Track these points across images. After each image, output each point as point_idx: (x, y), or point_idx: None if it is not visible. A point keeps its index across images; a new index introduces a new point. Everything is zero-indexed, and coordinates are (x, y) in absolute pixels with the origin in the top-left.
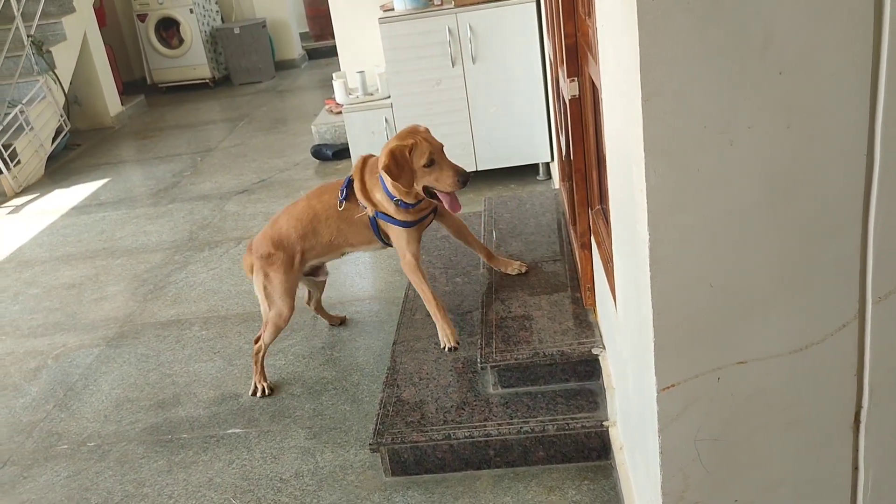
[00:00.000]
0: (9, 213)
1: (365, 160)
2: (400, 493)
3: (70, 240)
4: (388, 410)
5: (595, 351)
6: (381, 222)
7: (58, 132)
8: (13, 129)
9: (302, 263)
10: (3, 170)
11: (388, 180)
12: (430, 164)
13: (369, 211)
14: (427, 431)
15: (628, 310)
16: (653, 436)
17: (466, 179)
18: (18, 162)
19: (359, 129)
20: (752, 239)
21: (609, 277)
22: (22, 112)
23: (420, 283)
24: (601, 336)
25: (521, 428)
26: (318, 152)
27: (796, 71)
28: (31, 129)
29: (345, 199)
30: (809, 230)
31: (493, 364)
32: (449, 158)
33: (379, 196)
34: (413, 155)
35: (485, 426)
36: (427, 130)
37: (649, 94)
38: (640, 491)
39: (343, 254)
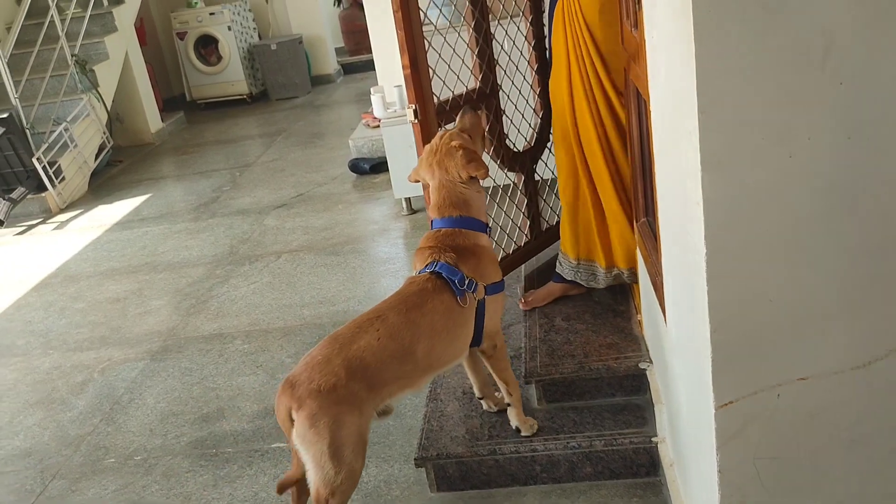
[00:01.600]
0: (54, 229)
1: (437, 237)
2: None
3: (114, 255)
4: (433, 425)
5: (642, 365)
6: (489, 301)
7: (101, 149)
8: (58, 146)
9: (381, 402)
10: (49, 186)
11: (475, 201)
12: (468, 134)
13: (479, 291)
14: (472, 446)
15: (680, 324)
16: (710, 454)
17: (473, 107)
18: (63, 178)
19: (396, 142)
20: (812, 252)
21: (657, 291)
22: (66, 130)
23: (509, 368)
24: (647, 350)
25: (567, 443)
26: (356, 166)
27: (857, 80)
28: (76, 146)
29: (463, 291)
30: (871, 243)
31: (538, 379)
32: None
33: (484, 243)
34: (467, 143)
35: (531, 441)
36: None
37: (706, 106)
38: None
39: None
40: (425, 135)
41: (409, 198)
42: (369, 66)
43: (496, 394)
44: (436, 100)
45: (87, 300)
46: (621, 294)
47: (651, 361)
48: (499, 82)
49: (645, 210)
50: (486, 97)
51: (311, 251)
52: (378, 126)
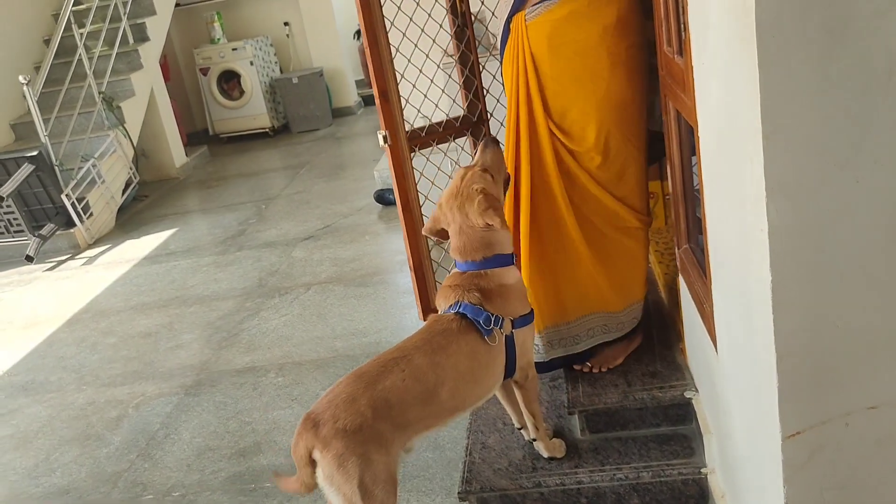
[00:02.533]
0: (83, 265)
1: (461, 276)
2: None
3: (143, 289)
4: (475, 457)
5: (688, 394)
6: (517, 334)
7: (127, 184)
8: (86, 182)
9: (406, 441)
10: (78, 222)
11: (498, 238)
12: (490, 174)
13: (507, 326)
14: (517, 479)
15: (736, 353)
16: (776, 486)
17: (495, 139)
18: (91, 214)
19: (430, 173)
20: (881, 278)
21: (705, 319)
22: (94, 166)
23: (537, 401)
24: (692, 379)
25: (613, 475)
26: (382, 197)
27: None
28: (103, 181)
29: (491, 330)
30: None
31: (581, 409)
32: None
33: (510, 280)
34: (489, 189)
35: (576, 473)
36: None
37: (770, 132)
38: None
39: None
40: (395, 158)
41: None
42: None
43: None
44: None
45: (119, 335)
46: (660, 321)
47: (697, 390)
48: (489, 110)
49: (688, 236)
50: (472, 124)
51: (340, 283)
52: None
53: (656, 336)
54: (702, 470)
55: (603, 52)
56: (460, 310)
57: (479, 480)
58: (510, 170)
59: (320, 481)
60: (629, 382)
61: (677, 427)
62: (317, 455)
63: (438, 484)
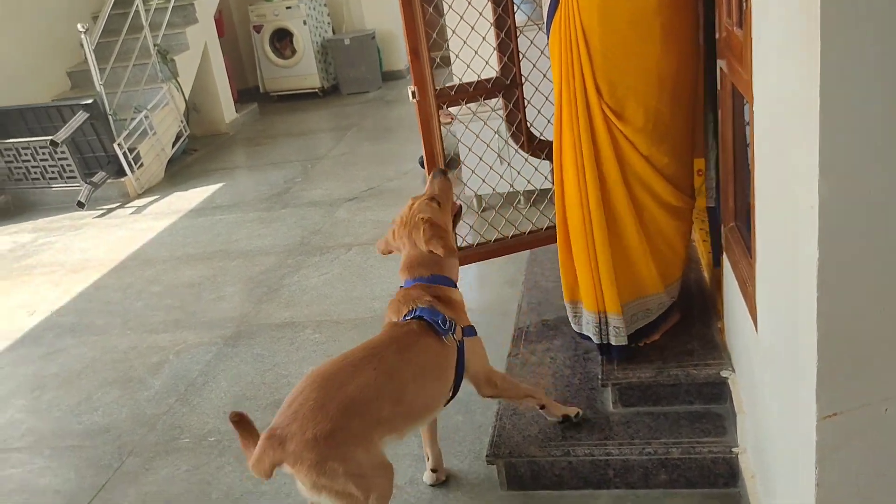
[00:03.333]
0: (131, 214)
1: (410, 289)
2: None
3: (189, 241)
4: (505, 423)
5: (724, 373)
6: (468, 343)
7: (177, 137)
8: (138, 133)
9: (380, 438)
10: (128, 172)
11: (444, 264)
12: (438, 203)
13: (458, 332)
14: (546, 447)
15: (777, 333)
16: (808, 467)
17: (445, 171)
18: (141, 165)
19: (470, 139)
20: None
21: (747, 298)
22: (147, 117)
23: (520, 388)
24: (729, 358)
25: (643, 449)
26: None
27: None
28: (154, 133)
29: (447, 331)
30: None
31: (615, 382)
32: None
33: (456, 296)
34: (434, 217)
35: (605, 445)
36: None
37: (828, 108)
38: None
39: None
40: (422, 113)
41: (480, 195)
42: (439, 65)
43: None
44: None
45: (163, 283)
46: (700, 300)
47: (733, 370)
48: (524, 74)
49: (735, 214)
50: (506, 87)
51: None
52: (451, 122)
53: (695, 314)
54: (733, 449)
55: (656, 25)
56: (417, 313)
57: (507, 445)
58: (555, 147)
59: (306, 494)
60: (664, 358)
61: (710, 406)
62: (288, 469)
63: (467, 447)
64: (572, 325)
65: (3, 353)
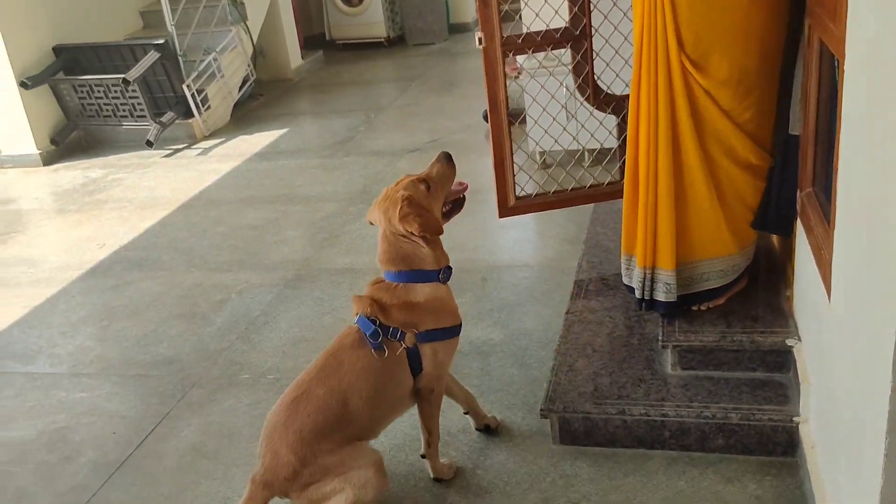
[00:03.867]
0: (198, 155)
1: (370, 293)
2: (568, 461)
3: (252, 184)
4: (561, 379)
5: (789, 342)
6: (424, 348)
7: (244, 81)
8: (206, 75)
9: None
10: (196, 113)
11: (418, 253)
12: (427, 185)
13: (408, 339)
14: (601, 404)
15: (853, 301)
16: (877, 437)
17: (450, 156)
18: (209, 107)
19: (537, 94)
20: None
21: (821, 265)
22: (215, 60)
23: (436, 416)
24: (796, 327)
25: (701, 412)
26: None
27: None
28: (222, 76)
29: (379, 344)
30: None
31: (676, 344)
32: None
33: (420, 299)
34: (416, 197)
35: (662, 406)
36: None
37: None
38: (837, 494)
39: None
40: (488, 60)
41: (543, 151)
42: (508, 16)
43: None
44: (525, 29)
45: (228, 224)
46: (769, 267)
47: (799, 339)
48: (594, 26)
49: (813, 179)
50: (575, 38)
51: None
52: (518, 76)
53: (763, 281)
54: (794, 418)
55: None
56: (357, 322)
57: (562, 401)
58: (632, 97)
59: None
60: (729, 323)
61: (773, 374)
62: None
63: (521, 399)
64: (623, 277)
65: (74, 283)
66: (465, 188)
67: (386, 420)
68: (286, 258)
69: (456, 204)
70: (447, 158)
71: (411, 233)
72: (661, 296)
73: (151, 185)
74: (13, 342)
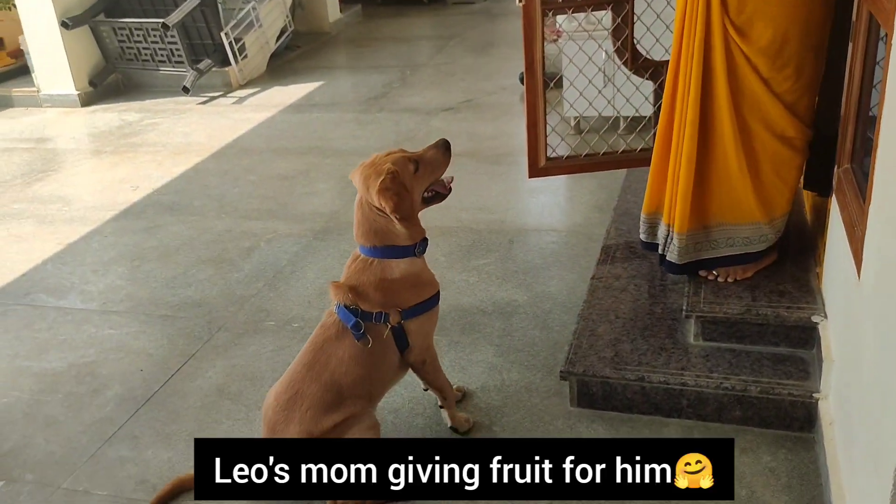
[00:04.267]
0: (233, 103)
1: (347, 269)
2: (584, 423)
3: (285, 135)
4: (582, 343)
5: (815, 318)
6: (409, 325)
7: (281, 32)
8: (244, 24)
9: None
10: (233, 62)
11: (392, 229)
12: (417, 166)
13: (393, 318)
14: (620, 370)
15: (883, 279)
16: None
17: (448, 145)
18: (246, 56)
19: (575, 58)
20: None
21: (853, 242)
22: (254, 9)
23: (441, 376)
24: (823, 304)
25: (720, 383)
26: None
27: None
28: (260, 26)
29: (362, 333)
30: None
31: (699, 314)
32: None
33: (397, 274)
34: (402, 175)
35: (681, 375)
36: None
37: None
38: (851, 470)
39: None
40: (527, 18)
41: (579, 117)
42: None
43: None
44: None
45: (259, 174)
46: (800, 243)
47: (826, 316)
48: None
49: (851, 156)
50: (616, 0)
51: (474, 157)
52: (556, 39)
53: (794, 257)
54: (814, 394)
55: None
56: (336, 312)
57: (582, 364)
58: (672, 56)
59: None
60: (755, 297)
61: (796, 349)
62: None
63: (541, 361)
64: (641, 235)
65: (107, 223)
66: (451, 181)
67: (383, 392)
68: (315, 210)
69: (438, 194)
70: (445, 146)
71: (383, 209)
72: (668, 254)
73: (186, 130)
74: (47, 277)
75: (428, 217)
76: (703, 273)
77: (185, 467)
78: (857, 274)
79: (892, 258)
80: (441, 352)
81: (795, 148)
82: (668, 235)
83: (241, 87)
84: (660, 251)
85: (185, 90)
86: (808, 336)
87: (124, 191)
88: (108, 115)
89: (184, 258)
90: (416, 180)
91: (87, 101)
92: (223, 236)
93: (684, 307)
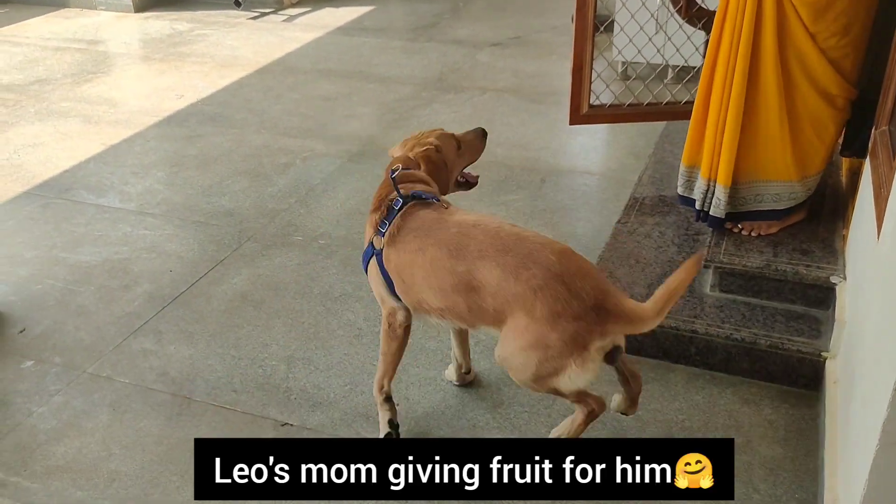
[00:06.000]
0: (283, 21)
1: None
2: None
3: (332, 57)
4: None
5: (834, 279)
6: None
7: None
8: None
9: None
10: None
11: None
12: (459, 145)
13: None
14: None
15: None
16: (890, 372)
17: (486, 134)
18: None
19: (628, 2)
20: None
21: (878, 203)
22: None
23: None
24: (844, 266)
25: (730, 334)
26: None
27: None
28: None
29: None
30: None
31: (718, 265)
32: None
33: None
34: (444, 150)
35: (693, 322)
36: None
37: None
38: (848, 427)
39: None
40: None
41: (627, 62)
42: None
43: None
44: None
45: (302, 93)
46: (832, 205)
47: (845, 278)
48: None
49: (890, 117)
50: None
51: (516, 94)
52: None
53: (823, 218)
54: (822, 353)
55: None
56: (412, 195)
57: None
58: (720, 7)
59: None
60: (776, 253)
61: (811, 308)
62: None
63: None
64: (679, 189)
65: (151, 128)
66: (478, 177)
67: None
68: (353, 133)
69: (468, 182)
70: (483, 134)
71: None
72: (711, 210)
73: (234, 44)
74: (88, 175)
75: None
76: (728, 225)
77: (205, 365)
78: (877, 235)
79: None
80: None
81: (836, 106)
82: (707, 190)
83: (293, 5)
84: (698, 206)
85: (237, 4)
86: (825, 296)
87: (169, 98)
88: (160, 22)
89: (221, 168)
90: (457, 159)
91: (141, 7)
92: (261, 151)
93: (705, 257)
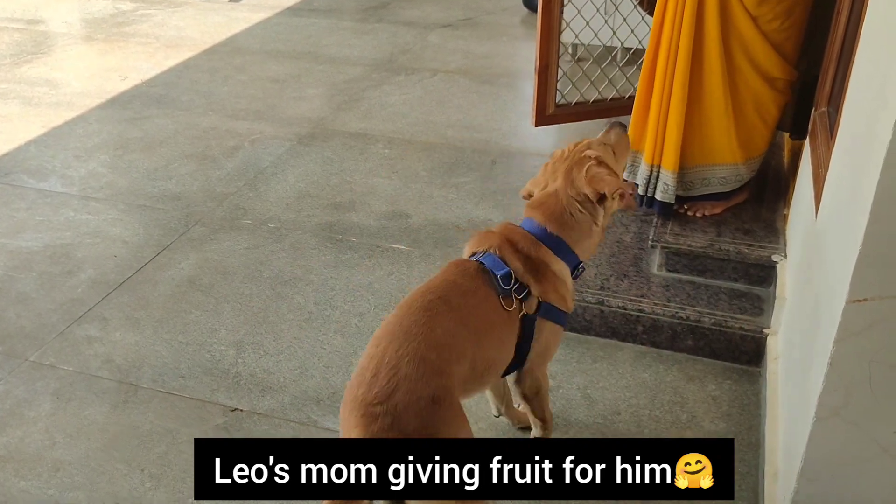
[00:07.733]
0: (230, 1)
1: (504, 233)
2: None
3: (280, 37)
4: None
5: (775, 258)
6: (541, 324)
7: None
8: None
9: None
10: None
11: (582, 229)
12: (613, 151)
13: (531, 305)
14: (580, 292)
15: (834, 216)
16: (825, 345)
17: (625, 127)
18: None
19: None
20: None
21: (816, 183)
22: None
23: (547, 407)
24: (785, 245)
25: (676, 313)
26: (531, 2)
27: None
28: None
29: (509, 291)
30: None
31: (664, 245)
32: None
33: (556, 268)
34: (606, 161)
35: (640, 302)
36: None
37: None
38: (787, 401)
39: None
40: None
41: (577, 44)
42: None
43: (517, 407)
44: None
45: (250, 74)
46: (774, 186)
47: (786, 257)
48: None
49: (829, 99)
50: None
51: (467, 76)
52: None
53: (765, 198)
54: (764, 330)
55: None
56: (481, 258)
57: None
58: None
59: None
60: (720, 233)
61: (754, 287)
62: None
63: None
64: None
65: (93, 110)
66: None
67: (487, 376)
68: (303, 115)
69: (623, 196)
70: (621, 126)
71: (598, 197)
72: (659, 195)
73: (180, 24)
74: (29, 158)
75: (415, 131)
76: (674, 207)
77: (152, 351)
78: (815, 213)
79: (842, 195)
80: (412, 262)
81: (778, 89)
82: (651, 175)
83: None
84: (641, 192)
85: None
86: (766, 274)
87: (112, 80)
88: (103, 2)
89: (167, 151)
90: (616, 164)
91: None
92: (208, 133)
93: (651, 237)
